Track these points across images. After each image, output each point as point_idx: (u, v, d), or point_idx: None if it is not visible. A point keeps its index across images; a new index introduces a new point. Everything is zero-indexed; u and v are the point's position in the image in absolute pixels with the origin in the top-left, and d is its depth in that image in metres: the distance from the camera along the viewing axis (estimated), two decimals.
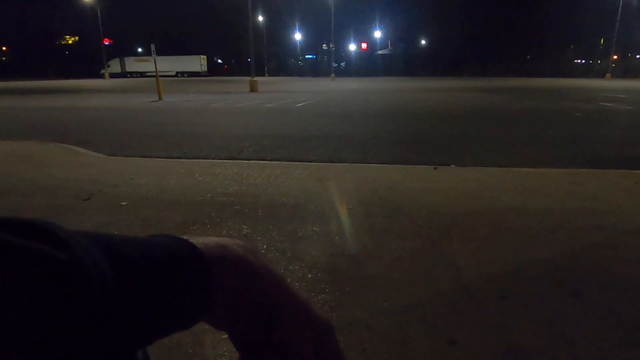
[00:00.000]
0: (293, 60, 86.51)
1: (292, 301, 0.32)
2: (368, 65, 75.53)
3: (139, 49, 71.34)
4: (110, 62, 59.55)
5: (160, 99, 16.48)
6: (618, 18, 41.16)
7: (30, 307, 0.21)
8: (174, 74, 60.74)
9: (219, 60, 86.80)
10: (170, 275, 0.28)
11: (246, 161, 5.61)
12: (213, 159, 5.81)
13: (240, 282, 0.31)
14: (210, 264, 0.30)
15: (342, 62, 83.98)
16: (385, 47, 79.16)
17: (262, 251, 2.78)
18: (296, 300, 0.33)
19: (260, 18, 64.23)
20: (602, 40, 64.23)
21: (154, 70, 16.85)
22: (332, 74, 46.88)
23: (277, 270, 0.33)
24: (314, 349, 0.32)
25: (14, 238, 0.22)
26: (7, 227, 0.23)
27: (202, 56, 63.40)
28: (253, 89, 22.57)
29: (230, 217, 3.41)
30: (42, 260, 0.22)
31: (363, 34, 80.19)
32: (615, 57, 50.00)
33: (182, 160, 5.64)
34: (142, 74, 60.27)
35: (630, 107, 13.94)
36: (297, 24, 79.13)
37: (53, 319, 0.21)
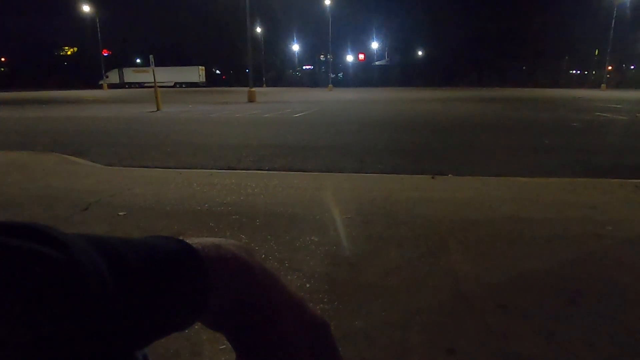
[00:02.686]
0: (291, 70, 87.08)
1: (287, 299, 0.32)
2: (365, 76, 76.01)
3: (138, 60, 71.71)
4: (108, 73, 59.72)
5: (158, 109, 16.49)
6: (612, 29, 41.69)
7: (28, 307, 0.21)
8: (172, 84, 60.91)
9: (217, 71, 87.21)
10: (167, 275, 0.28)
11: (244, 171, 5.62)
12: (211, 169, 5.81)
13: (236, 281, 0.31)
14: (206, 263, 0.30)
15: (339, 73, 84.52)
16: (382, 58, 79.78)
17: None
18: (292, 298, 0.33)
19: (259, 29, 64.84)
20: (597, 51, 65.01)
21: (153, 80, 16.89)
22: (330, 85, 47.04)
23: (272, 269, 0.33)
24: (310, 347, 0.33)
25: (11, 239, 0.22)
26: (3, 230, 0.23)
27: (200, 67, 63.68)
28: (251, 99, 22.66)
29: (228, 227, 3.41)
30: (39, 260, 0.22)
31: (360, 45, 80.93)
32: (609, 67, 50.50)
33: (180, 170, 5.63)
34: (140, 85, 60.39)
35: (625, 118, 14.06)
36: (295, 35, 79.93)
37: (51, 319, 0.21)
